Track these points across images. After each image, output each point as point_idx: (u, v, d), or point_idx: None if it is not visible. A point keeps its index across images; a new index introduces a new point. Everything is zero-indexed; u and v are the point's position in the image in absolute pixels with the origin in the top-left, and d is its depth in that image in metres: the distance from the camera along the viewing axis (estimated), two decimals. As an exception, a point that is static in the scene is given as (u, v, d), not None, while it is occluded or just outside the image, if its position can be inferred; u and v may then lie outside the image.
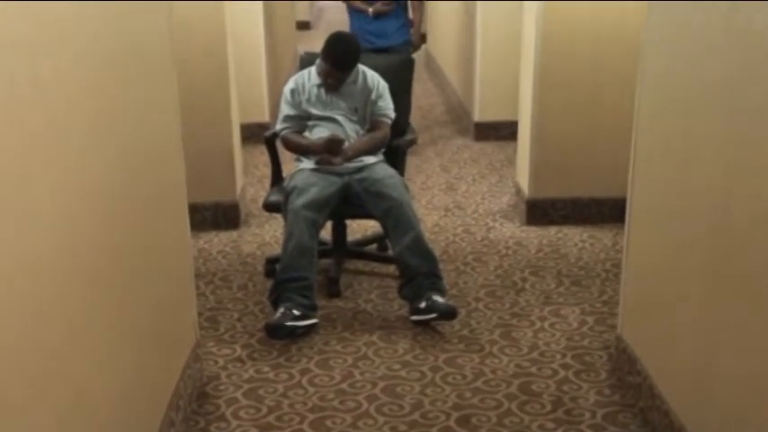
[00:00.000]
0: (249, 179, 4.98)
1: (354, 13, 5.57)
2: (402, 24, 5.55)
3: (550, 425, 2.42)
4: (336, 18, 9.47)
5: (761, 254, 1.72)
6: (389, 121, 3.44)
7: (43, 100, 1.43)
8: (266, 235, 4.10)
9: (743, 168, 1.82)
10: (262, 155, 3.80)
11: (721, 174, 1.93)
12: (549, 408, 2.51)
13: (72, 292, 1.56)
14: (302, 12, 12.59)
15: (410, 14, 5.68)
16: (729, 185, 1.88)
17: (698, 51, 2.08)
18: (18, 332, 1.31)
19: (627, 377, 2.59)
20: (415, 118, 6.43)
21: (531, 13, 4.06)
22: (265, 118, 5.81)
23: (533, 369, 2.75)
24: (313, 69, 3.44)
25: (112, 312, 1.80)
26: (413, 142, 3.63)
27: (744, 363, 1.81)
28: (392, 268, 3.43)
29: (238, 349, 2.92)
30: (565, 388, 2.63)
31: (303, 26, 12.45)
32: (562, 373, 2.73)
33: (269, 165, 3.63)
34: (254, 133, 5.26)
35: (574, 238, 3.99)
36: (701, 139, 2.06)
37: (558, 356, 2.84)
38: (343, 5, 5.83)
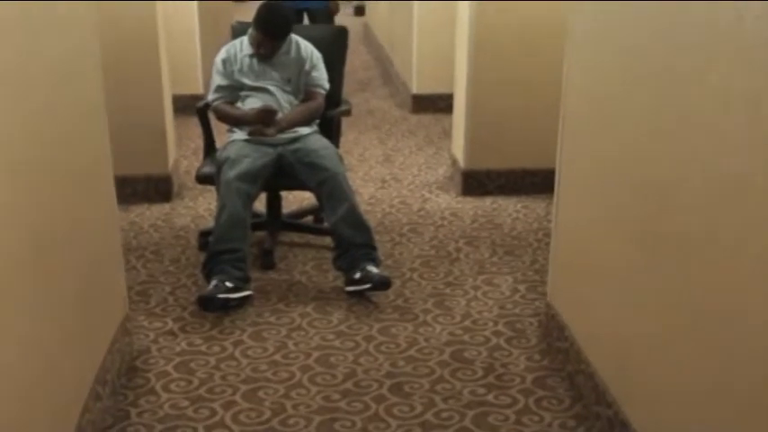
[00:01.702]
0: (183, 151, 4.90)
1: None
2: None
3: (481, 390, 2.46)
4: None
5: (682, 222, 1.77)
6: (324, 92, 3.42)
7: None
8: (200, 208, 4.05)
9: (661, 139, 1.86)
10: (196, 127, 3.74)
11: (641, 145, 1.97)
12: (480, 374, 2.56)
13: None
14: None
15: None
16: (649, 157, 1.93)
17: (620, 27, 2.11)
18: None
19: (555, 343, 2.64)
20: (352, 90, 6.43)
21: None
22: (200, 89, 5.71)
23: (466, 337, 2.79)
24: (245, 39, 3.38)
25: (33, 286, 1.76)
26: (347, 113, 3.62)
27: (662, 327, 1.87)
28: (327, 240, 3.42)
29: (170, 322, 2.89)
30: (496, 354, 2.67)
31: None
32: (494, 340, 2.77)
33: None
34: (187, 105, 5.14)
35: (508, 208, 4.05)
36: (622, 111, 2.10)
37: (491, 324, 2.88)
38: None
